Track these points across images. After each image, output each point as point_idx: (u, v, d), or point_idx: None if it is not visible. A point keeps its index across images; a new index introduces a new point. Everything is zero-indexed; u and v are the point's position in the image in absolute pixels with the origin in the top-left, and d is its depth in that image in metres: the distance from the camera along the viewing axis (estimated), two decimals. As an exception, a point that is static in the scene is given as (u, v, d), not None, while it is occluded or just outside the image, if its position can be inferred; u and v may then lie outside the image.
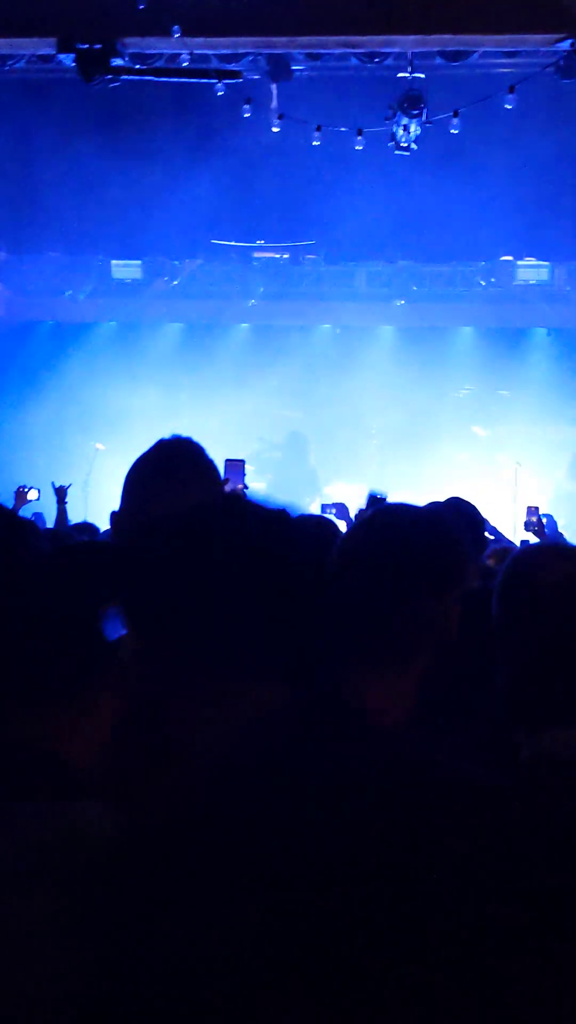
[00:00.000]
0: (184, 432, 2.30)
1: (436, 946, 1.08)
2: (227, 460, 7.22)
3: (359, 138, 9.39)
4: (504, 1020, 1.07)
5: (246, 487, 7.15)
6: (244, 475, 7.29)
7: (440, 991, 1.06)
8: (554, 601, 1.73)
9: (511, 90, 8.61)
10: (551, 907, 1.34)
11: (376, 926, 1.09)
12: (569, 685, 1.68)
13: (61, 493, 7.85)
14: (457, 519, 4.06)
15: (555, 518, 7.95)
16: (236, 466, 7.02)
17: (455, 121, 9.11)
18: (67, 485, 8.03)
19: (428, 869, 1.11)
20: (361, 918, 1.09)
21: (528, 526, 6.99)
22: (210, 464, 2.15)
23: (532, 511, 7.02)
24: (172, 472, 2.08)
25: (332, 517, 6.27)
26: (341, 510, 7.96)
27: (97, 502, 10.46)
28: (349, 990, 1.04)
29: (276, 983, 1.03)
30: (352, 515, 8.24)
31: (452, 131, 9.10)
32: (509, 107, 8.81)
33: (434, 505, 4.15)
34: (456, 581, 1.48)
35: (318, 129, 9.19)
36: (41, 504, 8.52)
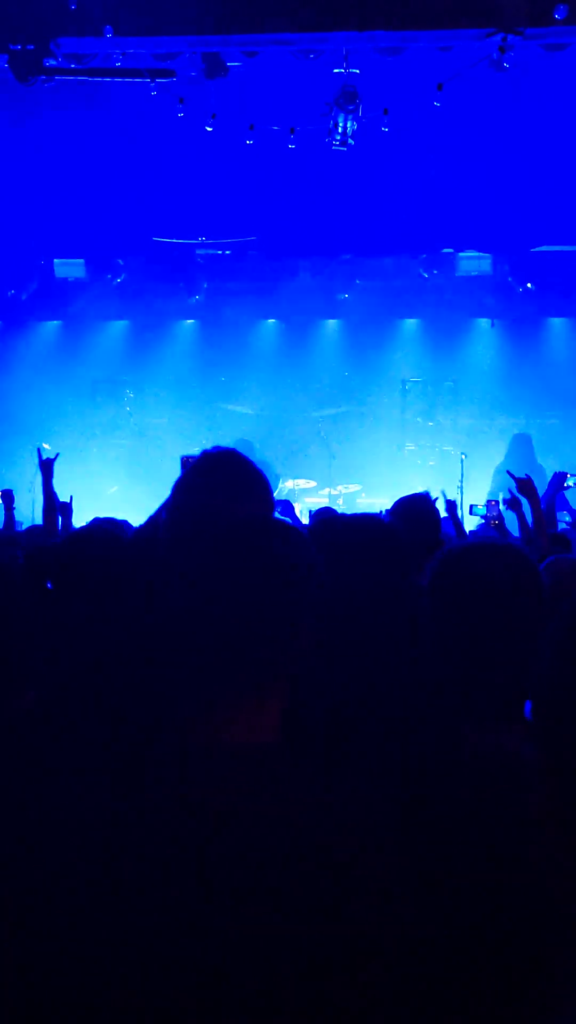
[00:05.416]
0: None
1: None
2: (183, 457, 7.16)
3: (295, 135, 9.40)
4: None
5: None
6: None
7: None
8: (485, 595, 1.77)
9: (439, 87, 8.67)
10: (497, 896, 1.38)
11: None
12: (507, 679, 1.72)
13: (47, 466, 5.85)
14: (417, 515, 4.08)
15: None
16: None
17: (391, 116, 9.15)
18: (53, 457, 6.02)
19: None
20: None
21: (488, 520, 7.11)
22: (258, 478, 2.11)
23: (493, 506, 7.17)
24: (217, 487, 2.05)
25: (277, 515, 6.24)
26: (285, 507, 7.96)
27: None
28: None
29: None
30: (297, 512, 8.24)
31: (383, 129, 9.14)
32: (437, 104, 8.87)
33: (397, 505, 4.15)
34: (306, 594, 1.47)
35: (251, 128, 9.19)
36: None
